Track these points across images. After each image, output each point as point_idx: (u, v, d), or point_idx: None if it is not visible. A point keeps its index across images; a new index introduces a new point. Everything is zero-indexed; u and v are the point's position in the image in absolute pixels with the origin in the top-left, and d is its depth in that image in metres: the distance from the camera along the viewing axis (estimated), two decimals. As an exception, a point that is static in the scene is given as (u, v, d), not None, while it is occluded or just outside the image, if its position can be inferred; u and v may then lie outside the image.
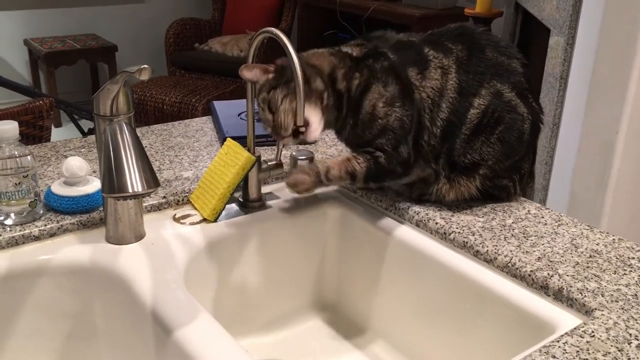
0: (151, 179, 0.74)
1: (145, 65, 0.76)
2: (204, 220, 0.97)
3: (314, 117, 0.90)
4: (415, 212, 0.96)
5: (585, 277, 0.79)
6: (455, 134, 0.91)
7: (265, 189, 1.06)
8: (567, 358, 0.65)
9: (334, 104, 0.92)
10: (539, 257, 0.83)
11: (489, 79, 0.91)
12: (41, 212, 0.92)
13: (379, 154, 0.91)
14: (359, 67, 0.91)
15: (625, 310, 0.73)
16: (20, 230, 0.88)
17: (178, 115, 3.39)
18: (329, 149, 1.21)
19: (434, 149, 0.92)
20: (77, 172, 0.92)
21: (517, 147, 0.94)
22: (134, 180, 0.72)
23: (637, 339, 0.68)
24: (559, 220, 0.93)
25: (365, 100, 0.90)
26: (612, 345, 0.67)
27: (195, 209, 1.00)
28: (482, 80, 0.91)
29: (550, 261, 0.82)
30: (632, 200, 1.78)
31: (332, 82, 0.91)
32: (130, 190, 0.71)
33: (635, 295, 0.75)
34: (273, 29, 0.89)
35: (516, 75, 0.93)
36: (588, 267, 0.81)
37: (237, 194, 1.02)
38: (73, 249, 0.88)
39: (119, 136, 0.77)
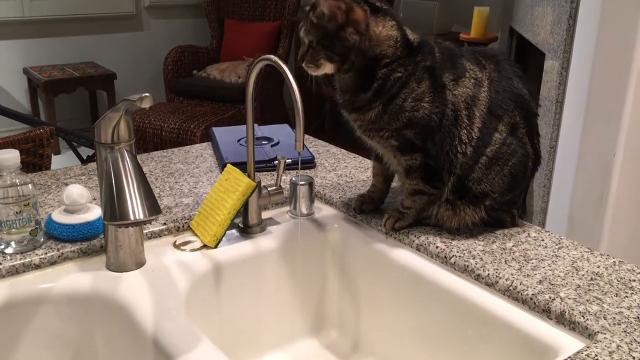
0: (153, 206, 0.74)
1: (147, 94, 0.76)
2: (205, 246, 0.97)
3: (328, 70, 0.90)
4: (415, 236, 0.96)
5: (587, 300, 0.79)
6: (481, 151, 0.91)
7: (265, 215, 1.06)
8: (571, 382, 0.65)
9: (355, 80, 0.91)
10: (540, 280, 0.83)
11: (512, 108, 0.92)
12: (42, 240, 0.92)
13: (414, 158, 0.92)
14: (407, 61, 0.90)
15: (628, 333, 0.72)
16: (20, 259, 0.88)
17: (177, 141, 3.41)
18: (328, 173, 1.22)
19: (462, 160, 0.91)
20: (77, 199, 0.92)
21: (521, 182, 0.95)
22: (135, 208, 0.72)
23: (641, 362, 0.68)
24: (559, 243, 0.94)
25: (400, 94, 0.89)
26: (615, 369, 0.67)
27: (196, 235, 1.00)
28: (508, 105, 0.92)
29: (552, 284, 0.82)
30: (631, 222, 1.78)
31: (374, 63, 0.89)
32: (132, 218, 0.71)
33: (638, 318, 0.75)
34: (272, 56, 0.90)
35: (532, 116, 0.95)
36: (589, 290, 0.81)
37: (238, 220, 1.02)
38: (73, 277, 0.88)
39: (120, 164, 0.77)
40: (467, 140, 0.91)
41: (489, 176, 0.92)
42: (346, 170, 1.24)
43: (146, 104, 0.76)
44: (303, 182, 1.05)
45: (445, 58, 0.92)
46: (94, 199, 1.05)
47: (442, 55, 0.92)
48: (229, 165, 1.04)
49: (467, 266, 0.87)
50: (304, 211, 1.07)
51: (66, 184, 1.13)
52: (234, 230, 1.02)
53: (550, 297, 0.79)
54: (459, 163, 0.91)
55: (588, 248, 0.92)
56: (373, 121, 0.92)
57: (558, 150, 2.05)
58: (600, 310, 0.76)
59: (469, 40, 2.94)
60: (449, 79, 0.91)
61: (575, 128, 1.86)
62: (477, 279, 0.86)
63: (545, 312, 0.78)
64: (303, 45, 0.90)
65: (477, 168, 0.91)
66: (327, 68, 0.89)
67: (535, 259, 0.89)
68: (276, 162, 1.08)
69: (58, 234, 0.92)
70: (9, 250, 0.89)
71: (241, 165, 1.03)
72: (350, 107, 0.93)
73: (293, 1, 4.18)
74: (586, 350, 0.70)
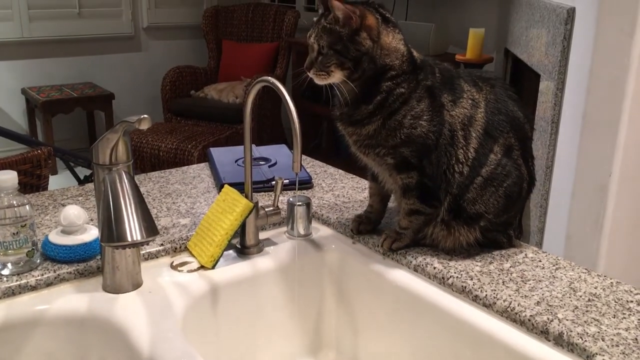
0: (150, 228, 0.74)
1: (145, 115, 0.77)
2: (202, 267, 0.97)
3: (337, 79, 0.89)
4: (412, 256, 0.96)
5: (585, 322, 0.78)
6: (476, 171, 0.91)
7: (262, 235, 1.06)
8: (570, 404, 0.64)
9: (361, 91, 0.90)
10: (538, 302, 0.83)
11: (507, 130, 0.93)
12: (38, 261, 0.92)
13: (410, 177, 0.92)
14: (411, 78, 0.91)
15: (626, 355, 0.72)
16: (17, 280, 0.87)
17: (174, 161, 3.42)
18: (326, 194, 1.22)
19: (459, 179, 0.91)
20: (75, 220, 0.92)
21: (516, 203, 0.96)
22: (133, 229, 0.72)
23: (640, 384, 0.67)
24: (557, 264, 0.94)
25: (401, 110, 0.90)
26: (614, 391, 0.66)
27: (193, 256, 1.00)
28: (503, 127, 0.93)
29: (550, 305, 0.82)
30: (628, 241, 1.78)
31: (381, 74, 0.89)
32: (129, 239, 0.72)
33: (636, 339, 0.75)
34: (270, 78, 0.91)
35: (527, 140, 0.96)
36: (587, 311, 0.81)
37: (235, 241, 1.02)
38: (70, 299, 0.87)
39: (118, 185, 0.77)
40: (463, 160, 0.91)
41: (483, 197, 0.92)
42: (343, 191, 1.24)
43: (144, 126, 0.77)
44: (300, 203, 1.05)
45: (444, 79, 0.93)
46: (91, 220, 1.05)
47: (442, 76, 0.93)
48: (226, 185, 1.04)
49: (465, 287, 0.87)
50: (302, 232, 1.07)
51: (63, 205, 1.13)
52: (231, 251, 1.02)
53: (548, 319, 0.79)
54: (456, 183, 0.92)
55: (585, 269, 0.92)
56: (370, 136, 0.92)
57: (554, 170, 2.06)
58: (599, 332, 0.76)
59: (465, 61, 2.97)
60: (447, 100, 0.92)
61: (571, 148, 1.87)
62: (475, 300, 0.86)
63: (543, 333, 0.78)
64: (311, 52, 0.90)
65: (472, 188, 0.92)
66: (336, 76, 0.89)
67: (533, 280, 0.89)
68: (274, 182, 1.08)
69: (55, 255, 0.92)
70: (5, 272, 0.89)
71: (239, 186, 1.03)
72: (348, 120, 0.93)
73: (290, 22, 4.22)
74: (585, 372, 0.70)
